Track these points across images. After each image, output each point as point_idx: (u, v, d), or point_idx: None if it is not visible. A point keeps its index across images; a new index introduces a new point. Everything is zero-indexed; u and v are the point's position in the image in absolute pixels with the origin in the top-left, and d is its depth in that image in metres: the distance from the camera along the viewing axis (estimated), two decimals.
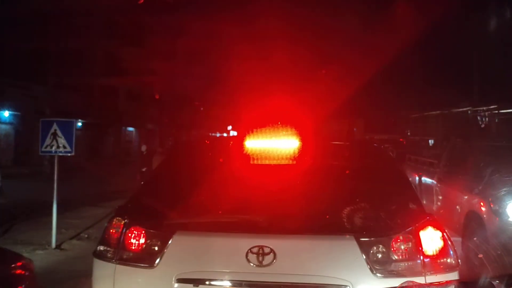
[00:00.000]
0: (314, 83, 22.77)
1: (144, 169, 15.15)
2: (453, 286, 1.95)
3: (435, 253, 2.88)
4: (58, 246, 7.91)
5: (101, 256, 3.08)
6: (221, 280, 2.87)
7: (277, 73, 20.38)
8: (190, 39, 23.60)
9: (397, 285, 1.91)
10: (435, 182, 8.59)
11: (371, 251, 2.84)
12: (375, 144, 4.17)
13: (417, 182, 10.01)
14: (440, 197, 8.27)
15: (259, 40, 20.28)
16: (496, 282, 1.84)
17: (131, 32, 24.33)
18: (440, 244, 2.91)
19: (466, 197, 6.83)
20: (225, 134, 38.12)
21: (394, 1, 21.06)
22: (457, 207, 7.05)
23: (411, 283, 1.98)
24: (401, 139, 22.30)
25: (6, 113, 22.94)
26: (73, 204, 11.40)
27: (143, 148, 16.82)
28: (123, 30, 24.41)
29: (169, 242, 2.94)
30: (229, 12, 19.77)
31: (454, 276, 2.81)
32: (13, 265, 3.64)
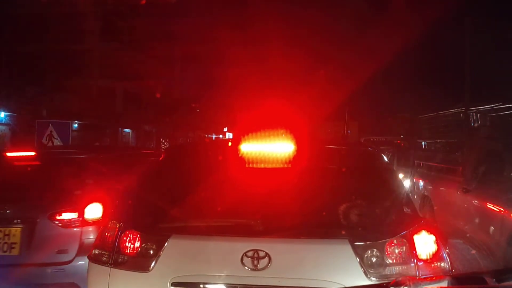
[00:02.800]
0: (308, 86, 22.83)
1: None
2: (447, 281, 1.96)
3: (429, 257, 2.90)
4: None
5: (96, 259, 3.07)
6: (216, 283, 2.87)
7: (272, 76, 20.44)
8: (186, 41, 23.59)
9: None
10: (459, 194, 6.88)
11: (365, 255, 2.86)
12: (369, 148, 4.18)
13: (428, 193, 8.52)
14: (467, 213, 6.64)
15: (254, 43, 20.34)
16: (487, 277, 1.86)
17: (128, 35, 24.31)
18: (434, 248, 2.93)
19: (508, 214, 5.30)
20: (221, 136, 38.14)
21: (388, 4, 21.14)
22: (493, 226, 5.61)
23: (406, 278, 1.99)
24: (398, 141, 22.08)
25: (2, 114, 22.85)
26: None
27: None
28: (121, 33, 24.36)
29: (165, 245, 2.93)
30: (225, 15, 19.80)
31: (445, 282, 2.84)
32: None
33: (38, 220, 4.44)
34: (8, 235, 4.37)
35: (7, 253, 4.33)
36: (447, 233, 6.15)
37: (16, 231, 4.40)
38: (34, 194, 4.69)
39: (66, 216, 4.48)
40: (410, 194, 7.72)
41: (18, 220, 4.44)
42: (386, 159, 3.94)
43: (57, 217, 4.49)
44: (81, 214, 4.49)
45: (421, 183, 9.28)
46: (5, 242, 4.35)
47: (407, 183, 11.40)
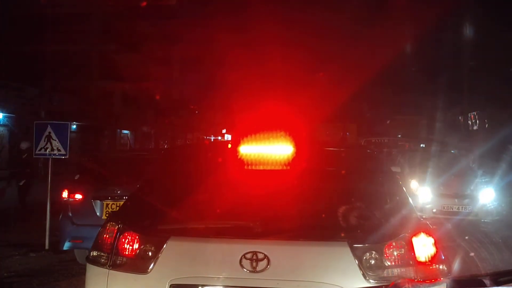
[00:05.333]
0: (307, 87, 22.83)
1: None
2: (445, 284, 1.97)
3: (427, 260, 2.90)
4: (51, 249, 7.87)
5: (94, 261, 3.07)
6: (215, 285, 2.87)
7: (271, 78, 20.45)
8: (185, 43, 23.60)
9: None
10: None
11: (364, 257, 2.85)
12: (368, 150, 4.18)
13: None
14: None
15: (253, 46, 20.35)
16: (486, 280, 1.86)
17: (127, 37, 24.29)
18: (432, 250, 2.93)
19: None
20: (219, 138, 38.13)
21: (386, 7, 21.17)
22: None
23: (404, 281, 1.99)
24: (403, 143, 21.15)
25: (0, 115, 22.83)
26: None
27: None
28: (120, 34, 24.35)
29: (163, 247, 2.93)
30: (224, 17, 19.81)
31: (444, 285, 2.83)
32: None
33: None
34: (119, 206, 6.32)
35: None
36: None
37: None
38: (132, 179, 6.21)
39: None
40: None
41: (126, 196, 6.31)
42: (393, 163, 3.93)
43: None
44: None
45: None
46: None
47: (422, 193, 10.78)
